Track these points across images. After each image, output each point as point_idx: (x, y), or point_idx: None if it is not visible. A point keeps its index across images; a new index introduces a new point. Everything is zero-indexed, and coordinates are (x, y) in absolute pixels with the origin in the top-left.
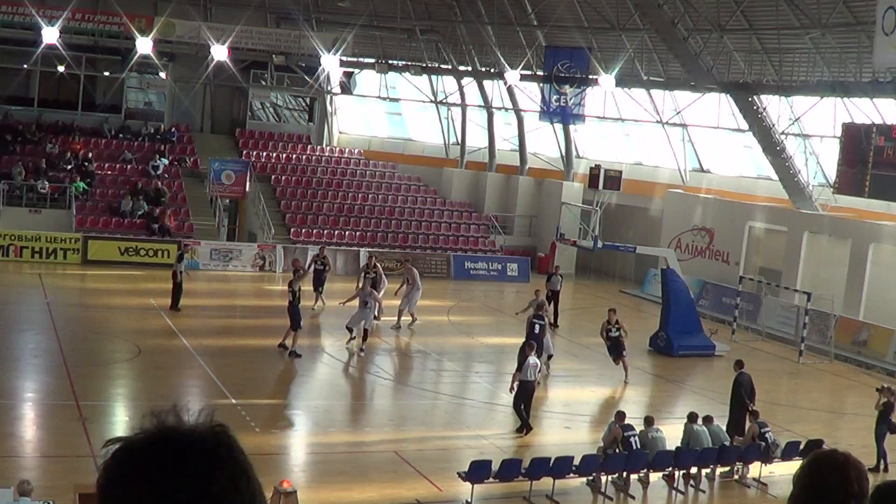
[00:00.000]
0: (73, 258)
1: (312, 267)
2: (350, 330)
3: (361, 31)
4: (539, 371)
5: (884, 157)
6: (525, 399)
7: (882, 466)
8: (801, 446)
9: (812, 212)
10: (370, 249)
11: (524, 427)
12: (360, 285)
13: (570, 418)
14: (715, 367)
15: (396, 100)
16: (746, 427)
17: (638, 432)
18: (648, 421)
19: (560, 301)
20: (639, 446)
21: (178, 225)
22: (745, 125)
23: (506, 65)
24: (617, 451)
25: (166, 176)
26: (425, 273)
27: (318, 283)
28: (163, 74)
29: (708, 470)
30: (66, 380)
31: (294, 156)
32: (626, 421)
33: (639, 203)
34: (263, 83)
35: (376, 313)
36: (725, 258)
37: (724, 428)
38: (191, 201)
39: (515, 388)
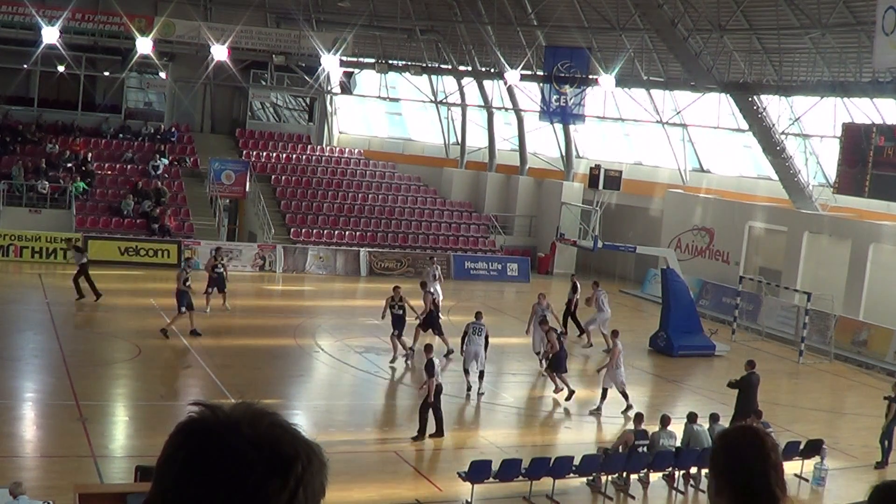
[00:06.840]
0: (73, 258)
1: (389, 312)
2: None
3: (361, 31)
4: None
5: (884, 157)
6: (438, 402)
7: (887, 443)
8: (802, 446)
9: (812, 212)
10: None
11: (421, 434)
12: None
13: (570, 418)
14: (715, 367)
15: (396, 100)
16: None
17: (650, 433)
18: (664, 421)
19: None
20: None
21: (178, 225)
22: (745, 125)
23: (506, 65)
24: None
25: (166, 176)
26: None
27: (397, 327)
28: (163, 74)
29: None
30: (66, 380)
31: (294, 156)
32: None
33: (639, 203)
34: (263, 83)
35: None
36: (725, 258)
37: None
38: (191, 201)
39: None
